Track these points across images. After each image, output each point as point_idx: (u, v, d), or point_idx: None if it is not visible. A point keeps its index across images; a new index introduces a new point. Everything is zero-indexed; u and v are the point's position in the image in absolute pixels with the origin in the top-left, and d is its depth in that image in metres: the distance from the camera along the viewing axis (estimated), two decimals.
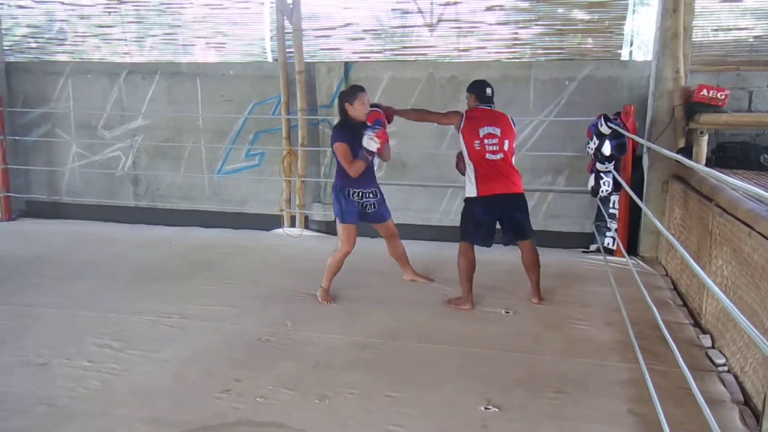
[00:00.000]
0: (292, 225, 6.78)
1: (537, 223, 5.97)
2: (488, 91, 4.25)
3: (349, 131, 4.26)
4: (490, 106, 4.24)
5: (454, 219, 5.97)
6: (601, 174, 5.11)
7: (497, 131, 4.13)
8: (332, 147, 4.25)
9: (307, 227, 6.78)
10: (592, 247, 5.91)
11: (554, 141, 5.98)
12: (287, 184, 6.67)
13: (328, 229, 6.70)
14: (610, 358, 3.62)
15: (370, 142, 4.11)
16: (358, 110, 4.25)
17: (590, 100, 5.85)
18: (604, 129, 4.92)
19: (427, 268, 5.23)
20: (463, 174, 4.27)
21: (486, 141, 4.12)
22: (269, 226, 6.80)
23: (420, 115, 4.40)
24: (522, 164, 6.07)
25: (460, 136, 4.16)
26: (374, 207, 4.51)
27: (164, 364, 3.55)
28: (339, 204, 4.37)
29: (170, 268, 5.36)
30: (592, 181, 5.19)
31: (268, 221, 6.79)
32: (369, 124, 4.17)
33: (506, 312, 4.32)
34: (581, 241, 6.01)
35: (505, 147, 4.14)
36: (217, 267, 5.41)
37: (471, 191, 4.16)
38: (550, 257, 5.49)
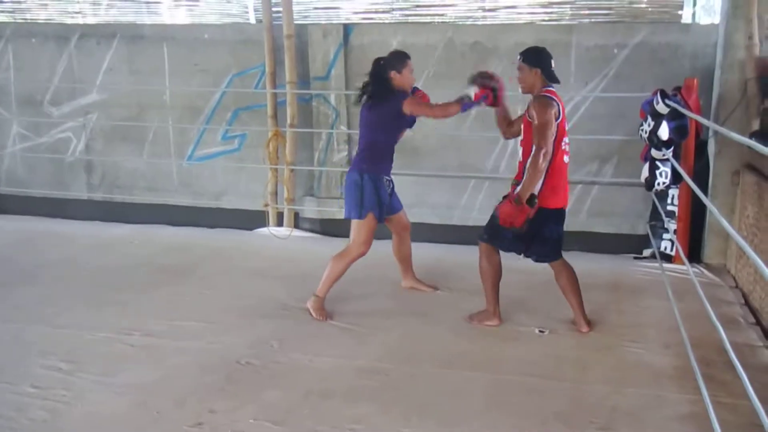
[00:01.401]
0: (279, 223, 6.79)
1: (579, 222, 6.02)
2: (553, 63, 4.08)
3: (403, 95, 4.35)
4: (555, 86, 4.10)
5: (478, 217, 5.99)
6: (658, 163, 5.11)
7: (564, 125, 4.07)
8: (394, 106, 4.25)
9: (297, 226, 6.79)
10: (646, 253, 5.90)
11: (600, 122, 5.98)
12: (273, 174, 6.68)
13: (324, 228, 6.72)
14: (667, 387, 3.62)
15: (469, 90, 4.28)
16: (407, 79, 4.34)
17: (644, 72, 5.83)
18: (661, 108, 4.91)
19: (446, 277, 5.23)
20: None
21: (566, 138, 4.08)
22: (251, 224, 6.81)
23: (547, 149, 3.92)
24: None
25: (555, 130, 3.94)
26: (390, 196, 4.60)
27: (124, 391, 3.56)
28: (364, 192, 4.33)
29: (131, 275, 5.37)
30: (646, 172, 5.18)
31: (251, 219, 6.80)
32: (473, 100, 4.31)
33: (541, 331, 4.32)
34: (632, 246, 6.01)
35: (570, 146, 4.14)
36: (189, 274, 5.42)
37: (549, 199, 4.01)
38: (594, 265, 5.51)
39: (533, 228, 4.05)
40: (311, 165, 6.74)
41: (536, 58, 4.06)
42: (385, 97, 4.32)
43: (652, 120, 4.98)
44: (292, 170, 6.66)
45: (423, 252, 5.35)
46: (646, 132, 5.05)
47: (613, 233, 6.10)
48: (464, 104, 4.28)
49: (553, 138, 3.91)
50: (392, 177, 4.56)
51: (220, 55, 6.76)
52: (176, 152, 7.05)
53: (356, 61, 6.43)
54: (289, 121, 6.58)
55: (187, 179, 7.12)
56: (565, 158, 4.07)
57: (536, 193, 3.96)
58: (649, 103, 4.98)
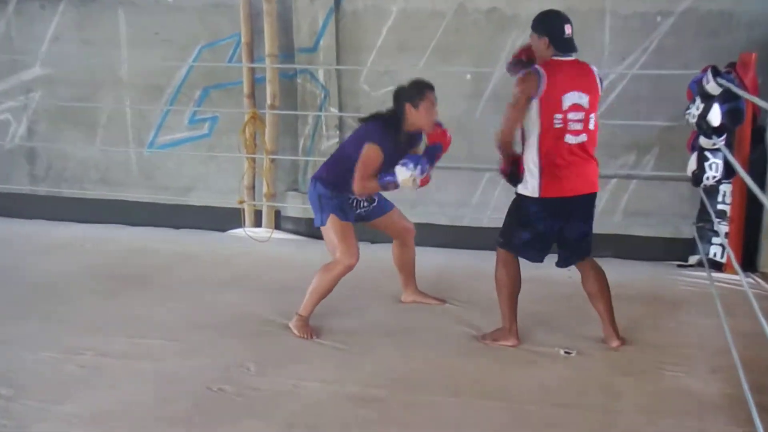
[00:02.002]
0: (258, 224, 6.82)
1: (614, 223, 6.08)
2: (568, 30, 4.06)
3: (393, 139, 4.39)
4: (572, 56, 4.08)
5: (494, 217, 6.01)
6: (707, 153, 5.07)
7: (585, 99, 4.02)
8: (359, 144, 4.34)
9: (278, 227, 6.83)
10: (692, 260, 5.94)
11: (638, 105, 6.00)
12: (250, 165, 6.72)
13: (309, 229, 6.69)
14: (714, 418, 3.65)
15: (408, 178, 4.24)
16: (422, 118, 4.35)
17: (691, 45, 5.85)
18: (712, 87, 4.89)
19: (454, 288, 5.28)
20: (507, 156, 4.24)
21: (570, 115, 3.99)
22: (224, 224, 6.85)
23: (508, 127, 4.14)
24: None
25: (535, 106, 4.03)
26: (364, 206, 4.67)
27: (74, 421, 3.58)
28: (325, 202, 4.46)
29: (82, 285, 5.41)
30: (693, 164, 5.14)
31: (223, 218, 6.84)
32: (427, 144, 4.40)
33: (567, 352, 4.37)
34: (676, 251, 6.05)
35: (591, 124, 4.06)
36: (150, 283, 5.46)
37: (530, 187, 4.12)
38: (630, 274, 5.55)
39: (547, 226, 4.13)
40: (296, 154, 6.77)
41: (542, 24, 4.11)
42: (375, 122, 4.42)
43: (701, 102, 4.93)
44: (272, 160, 6.70)
45: (427, 258, 5.37)
46: (693, 116, 5.00)
47: (653, 237, 6.13)
48: (391, 187, 4.36)
49: (529, 117, 4.02)
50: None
51: (187, 23, 6.78)
52: (135, 138, 7.08)
53: (349, 31, 6.47)
54: (269, 101, 6.62)
55: (147, 171, 7.14)
56: (569, 139, 4.02)
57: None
58: (698, 82, 4.96)
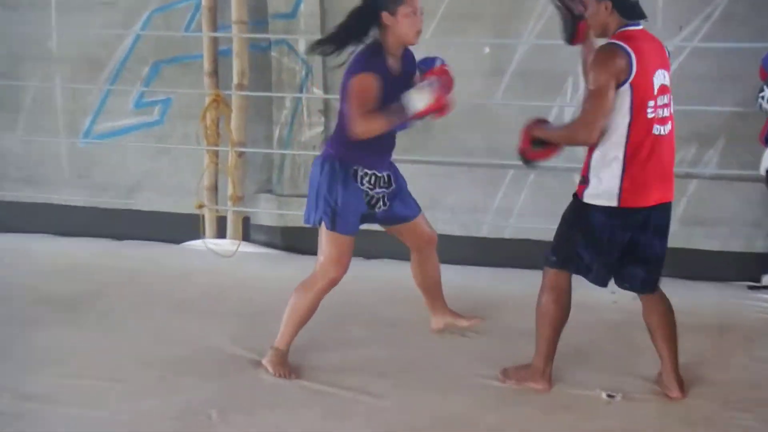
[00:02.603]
0: (221, 234, 6.82)
1: (669, 235, 6.00)
2: None
3: (384, 66, 4.30)
4: (641, 24, 4.04)
5: (519, 226, 6.07)
6: None
7: (668, 78, 4.07)
8: (346, 82, 4.29)
9: (247, 238, 6.83)
10: (766, 280, 5.94)
11: (699, 86, 5.99)
12: (212, 159, 6.73)
13: (287, 240, 6.76)
14: None
15: (419, 97, 4.17)
16: (402, 27, 4.23)
17: (764, 11, 5.86)
18: None
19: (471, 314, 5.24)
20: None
21: (660, 100, 4.00)
22: (179, 234, 6.86)
23: (593, 123, 4.01)
24: None
25: (627, 93, 3.94)
26: (385, 203, 4.58)
27: None
28: (330, 194, 4.40)
29: (2, 309, 5.40)
30: (767, 161, 5.19)
31: (178, 226, 6.84)
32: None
33: (610, 395, 4.35)
34: (747, 269, 6.04)
35: (671, 107, 4.10)
36: (85, 308, 5.43)
37: (607, 194, 4.06)
38: (690, 297, 5.47)
39: (619, 241, 4.13)
40: (269, 147, 6.78)
41: None
42: (358, 54, 4.34)
43: None
44: (240, 154, 6.70)
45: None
46: None
47: (717, 251, 6.11)
48: (406, 120, 4.29)
49: (615, 108, 3.94)
50: (394, 171, 4.59)
51: None
52: (67, 126, 7.09)
53: None
54: (236, 80, 6.61)
55: (82, 166, 7.14)
56: (657, 129, 4.01)
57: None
58: None
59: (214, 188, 6.80)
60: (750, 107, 5.27)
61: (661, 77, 3.98)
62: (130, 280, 5.98)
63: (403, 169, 5.11)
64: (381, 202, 4.53)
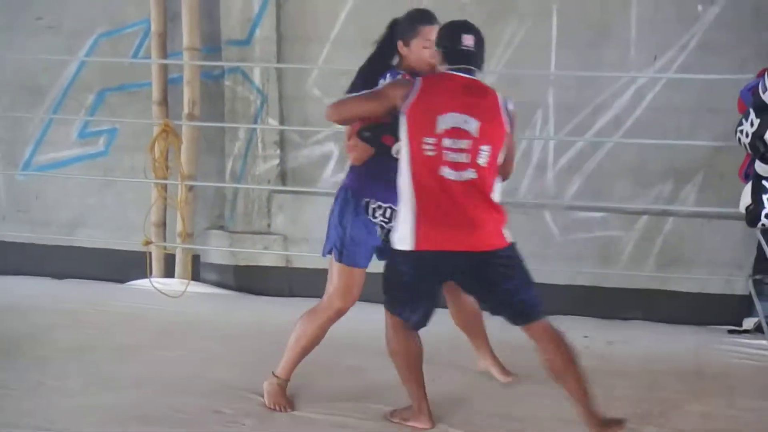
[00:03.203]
0: (169, 272, 6.75)
1: (644, 275, 6.02)
2: (466, 40, 4.09)
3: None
4: (469, 74, 4.09)
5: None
6: (765, 183, 5.03)
7: (472, 125, 3.98)
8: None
9: (197, 277, 6.75)
10: (747, 324, 5.89)
11: (675, 118, 6.00)
12: (160, 193, 6.61)
13: (240, 280, 6.69)
14: None
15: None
16: (417, 56, 4.32)
17: (744, 42, 5.86)
18: None
19: (456, 353, 5.15)
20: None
21: (446, 141, 3.95)
22: (124, 273, 6.77)
23: (342, 110, 4.26)
24: (617, 163, 6.03)
25: (404, 121, 4.04)
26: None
27: None
28: (340, 224, 4.47)
29: None
30: (747, 197, 5.11)
31: (122, 264, 6.75)
32: None
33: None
34: (727, 312, 6.00)
35: (482, 158, 3.98)
36: (18, 354, 5.25)
37: (402, 236, 4.04)
38: (666, 342, 5.52)
39: (426, 284, 4.13)
40: (222, 180, 6.71)
41: (439, 34, 4.26)
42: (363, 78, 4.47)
43: (757, 116, 4.89)
44: (190, 188, 6.63)
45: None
46: (747, 135, 4.96)
47: (695, 292, 6.08)
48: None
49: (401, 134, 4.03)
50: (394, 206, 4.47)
51: (80, 4, 6.74)
52: (5, 157, 7.00)
53: (294, 17, 6.44)
54: (186, 109, 6.56)
55: (21, 200, 7.04)
56: (447, 173, 3.97)
57: None
58: (752, 89, 4.97)
59: (163, 224, 6.72)
60: (729, 141, 5.30)
61: (456, 120, 3.96)
62: (69, 322, 5.85)
63: None
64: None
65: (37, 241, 6.95)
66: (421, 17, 4.41)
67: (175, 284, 6.54)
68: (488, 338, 4.94)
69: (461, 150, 3.95)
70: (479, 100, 4.03)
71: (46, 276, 6.84)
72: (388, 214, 4.42)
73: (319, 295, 5.72)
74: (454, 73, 4.04)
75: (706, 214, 6.02)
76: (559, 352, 4.17)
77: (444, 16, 5.77)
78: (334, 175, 6.45)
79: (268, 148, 6.61)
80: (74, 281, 6.79)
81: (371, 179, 4.41)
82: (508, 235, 4.08)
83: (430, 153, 3.95)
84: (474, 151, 3.96)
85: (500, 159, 4.05)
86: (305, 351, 4.51)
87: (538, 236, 6.04)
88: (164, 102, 6.57)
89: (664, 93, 6.01)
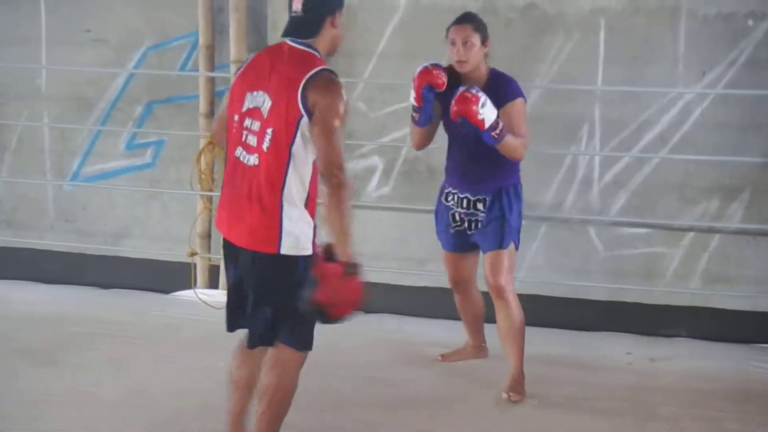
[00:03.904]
0: (213, 284, 6.79)
1: (689, 292, 6.00)
2: (294, 4, 3.69)
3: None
4: (297, 43, 3.70)
5: (531, 279, 6.02)
6: None
7: (266, 105, 3.65)
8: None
9: None
10: None
11: (724, 135, 5.96)
12: (206, 205, 6.66)
13: None
14: None
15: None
16: (450, 56, 4.61)
17: None
18: None
19: (475, 375, 5.22)
20: None
21: (246, 121, 3.71)
22: (169, 284, 6.81)
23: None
24: (663, 179, 6.03)
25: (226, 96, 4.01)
26: (476, 227, 4.89)
27: None
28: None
29: None
30: None
31: (168, 275, 6.79)
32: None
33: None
34: None
35: (265, 143, 3.62)
36: (62, 361, 5.35)
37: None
38: (711, 360, 5.49)
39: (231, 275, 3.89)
40: None
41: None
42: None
43: None
44: None
45: (441, 331, 5.30)
46: None
47: (740, 310, 6.02)
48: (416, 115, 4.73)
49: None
50: (479, 195, 4.85)
51: (128, 18, 6.78)
52: (54, 168, 7.04)
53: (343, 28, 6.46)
54: None
55: (68, 210, 7.09)
56: (240, 153, 3.72)
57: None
58: None
59: (208, 235, 6.74)
60: None
61: (258, 100, 3.66)
62: (112, 332, 5.89)
63: (409, 218, 5.08)
64: (466, 224, 4.94)
65: (84, 250, 6.99)
66: None
67: (218, 295, 6.46)
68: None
69: (254, 132, 3.65)
70: (287, 75, 3.62)
71: (92, 285, 6.88)
72: (455, 200, 4.90)
73: (364, 307, 5.80)
74: (286, 42, 3.72)
75: (752, 231, 5.98)
76: (265, 392, 3.87)
77: (491, 30, 5.90)
78: (378, 189, 6.47)
79: None
80: (119, 291, 6.83)
81: (447, 166, 4.96)
82: (291, 244, 3.61)
83: (234, 131, 3.73)
84: (261, 134, 3.62)
85: (298, 148, 3.57)
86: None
87: (581, 252, 6.04)
88: (211, 114, 6.60)
89: (711, 109, 5.97)
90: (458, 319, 5.49)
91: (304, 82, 3.53)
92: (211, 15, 6.56)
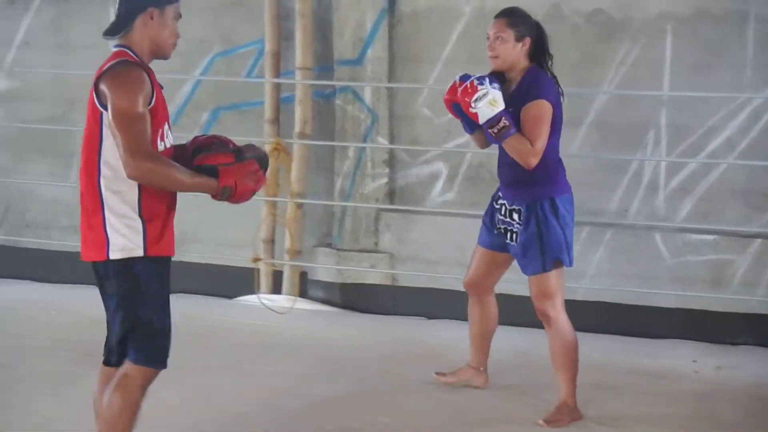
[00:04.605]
0: (277, 289, 6.85)
1: (756, 300, 5.92)
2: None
3: None
4: (117, 45, 3.57)
5: (595, 287, 6.01)
6: None
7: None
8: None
9: (304, 294, 6.85)
10: None
11: None
12: (270, 211, 6.78)
13: (346, 298, 6.76)
14: None
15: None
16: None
17: None
18: None
19: (536, 382, 5.17)
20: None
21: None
22: (232, 289, 6.90)
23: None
24: (730, 185, 5.99)
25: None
26: (511, 238, 4.70)
27: None
28: None
29: (38, 364, 5.41)
30: None
31: (231, 280, 6.89)
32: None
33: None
34: None
35: (83, 146, 3.54)
36: None
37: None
38: None
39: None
40: (330, 198, 6.82)
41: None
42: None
43: None
44: (299, 206, 6.74)
45: (503, 340, 5.30)
46: None
47: None
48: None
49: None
50: (517, 205, 4.68)
51: (196, 25, 6.83)
52: None
53: (406, 37, 6.54)
54: (298, 128, 6.69)
55: None
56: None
57: None
58: None
59: (271, 241, 6.84)
60: None
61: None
62: (177, 336, 5.85)
63: (466, 223, 5.08)
64: (510, 235, 4.70)
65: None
66: None
67: (282, 301, 6.66)
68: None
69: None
70: (94, 77, 3.47)
71: None
72: (499, 204, 4.73)
73: (425, 313, 5.87)
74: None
75: None
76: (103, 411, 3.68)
77: (557, 35, 5.98)
78: (442, 195, 6.55)
79: (377, 167, 6.71)
80: (183, 296, 6.80)
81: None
82: (119, 250, 3.45)
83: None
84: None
85: (110, 145, 3.39)
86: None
87: (647, 258, 6.01)
88: (276, 121, 6.72)
89: None
90: (519, 325, 5.49)
91: (96, 78, 3.41)
92: (277, 22, 6.66)
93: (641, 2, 6.05)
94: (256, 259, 6.76)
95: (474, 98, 4.37)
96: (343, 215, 6.78)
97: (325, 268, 6.82)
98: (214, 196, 3.56)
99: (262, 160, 3.64)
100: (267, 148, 6.62)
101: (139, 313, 3.58)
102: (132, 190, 3.42)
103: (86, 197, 3.48)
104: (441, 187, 6.57)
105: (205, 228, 7.08)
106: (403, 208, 6.68)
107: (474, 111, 4.37)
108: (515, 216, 4.62)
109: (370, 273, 6.64)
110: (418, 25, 6.49)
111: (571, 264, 4.64)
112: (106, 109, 3.35)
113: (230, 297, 6.90)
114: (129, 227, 3.44)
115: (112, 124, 3.32)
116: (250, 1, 6.77)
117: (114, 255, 3.44)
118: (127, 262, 3.45)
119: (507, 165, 4.62)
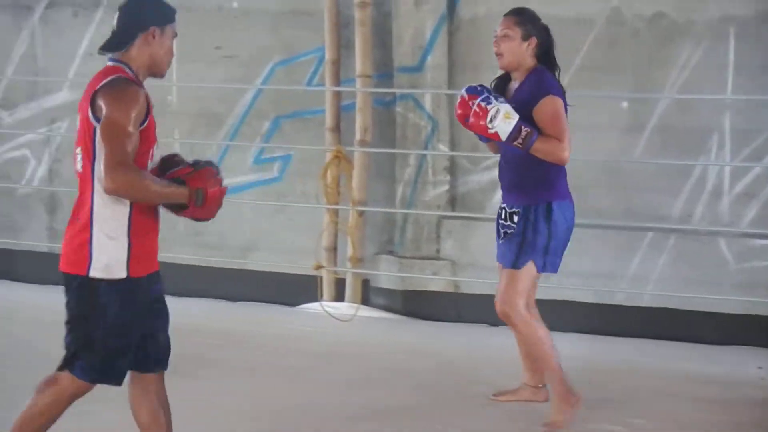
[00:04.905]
0: (340, 297, 6.89)
1: None
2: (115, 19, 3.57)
3: None
4: (111, 60, 3.52)
5: (659, 295, 6.00)
6: None
7: (78, 121, 3.55)
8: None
9: (366, 301, 6.88)
10: None
11: None
12: (332, 219, 6.82)
13: (406, 305, 6.79)
14: None
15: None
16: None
17: None
18: None
19: (603, 390, 5.12)
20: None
21: (76, 147, 3.55)
22: (295, 296, 6.95)
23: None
24: None
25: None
26: (502, 236, 4.66)
27: None
28: None
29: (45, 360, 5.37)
30: None
31: (294, 287, 6.93)
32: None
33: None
34: None
35: (78, 163, 3.50)
36: (191, 373, 5.35)
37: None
38: None
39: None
40: (392, 206, 6.86)
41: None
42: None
43: None
44: (361, 213, 6.78)
45: (566, 347, 5.28)
46: None
47: None
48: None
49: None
50: (516, 207, 4.61)
51: (256, 34, 6.97)
52: None
53: (466, 45, 6.57)
54: (358, 136, 6.74)
55: (197, 224, 7.02)
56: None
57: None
58: None
59: (334, 249, 6.89)
60: None
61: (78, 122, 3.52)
62: (240, 342, 6.03)
63: None
64: (501, 236, 4.66)
65: (211, 264, 7.18)
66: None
67: (344, 308, 6.70)
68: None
69: (74, 155, 3.52)
70: (86, 92, 3.46)
71: (221, 299, 7.08)
72: (501, 207, 4.68)
73: (488, 321, 5.87)
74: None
75: None
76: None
77: (619, 41, 5.98)
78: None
79: (437, 174, 6.74)
80: (247, 304, 7.01)
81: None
82: (100, 270, 3.40)
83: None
84: (76, 156, 3.51)
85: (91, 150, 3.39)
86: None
87: (712, 264, 5.98)
88: (337, 128, 6.78)
89: None
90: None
91: (93, 93, 3.38)
92: (337, 30, 6.72)
93: (703, 5, 6.02)
94: (319, 267, 6.81)
95: (488, 119, 4.32)
96: (404, 222, 6.82)
97: (387, 275, 6.85)
98: (189, 204, 3.56)
99: (215, 167, 3.67)
100: (328, 156, 6.74)
101: (93, 336, 3.49)
102: (123, 208, 3.40)
103: (78, 210, 3.47)
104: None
105: (268, 236, 7.16)
106: (464, 215, 6.69)
107: (493, 131, 4.33)
108: (515, 218, 4.59)
109: (432, 280, 6.67)
110: (478, 31, 6.49)
111: (552, 270, 4.58)
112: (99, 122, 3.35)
113: (293, 305, 6.95)
114: (115, 247, 3.41)
115: (100, 135, 3.31)
116: (310, 10, 6.83)
117: (94, 273, 3.41)
118: (93, 284, 3.42)
119: (507, 169, 4.65)
